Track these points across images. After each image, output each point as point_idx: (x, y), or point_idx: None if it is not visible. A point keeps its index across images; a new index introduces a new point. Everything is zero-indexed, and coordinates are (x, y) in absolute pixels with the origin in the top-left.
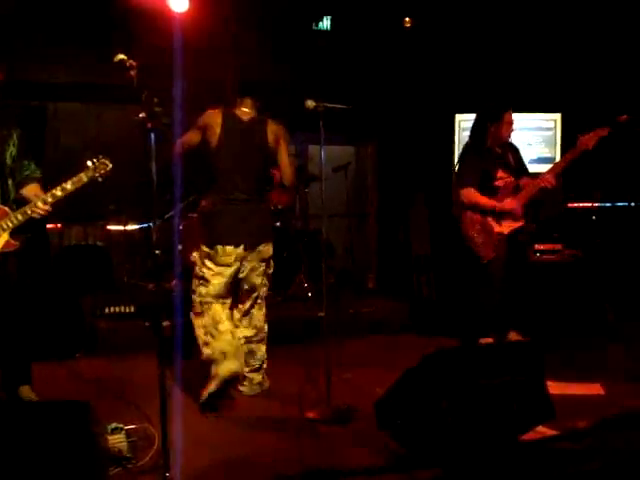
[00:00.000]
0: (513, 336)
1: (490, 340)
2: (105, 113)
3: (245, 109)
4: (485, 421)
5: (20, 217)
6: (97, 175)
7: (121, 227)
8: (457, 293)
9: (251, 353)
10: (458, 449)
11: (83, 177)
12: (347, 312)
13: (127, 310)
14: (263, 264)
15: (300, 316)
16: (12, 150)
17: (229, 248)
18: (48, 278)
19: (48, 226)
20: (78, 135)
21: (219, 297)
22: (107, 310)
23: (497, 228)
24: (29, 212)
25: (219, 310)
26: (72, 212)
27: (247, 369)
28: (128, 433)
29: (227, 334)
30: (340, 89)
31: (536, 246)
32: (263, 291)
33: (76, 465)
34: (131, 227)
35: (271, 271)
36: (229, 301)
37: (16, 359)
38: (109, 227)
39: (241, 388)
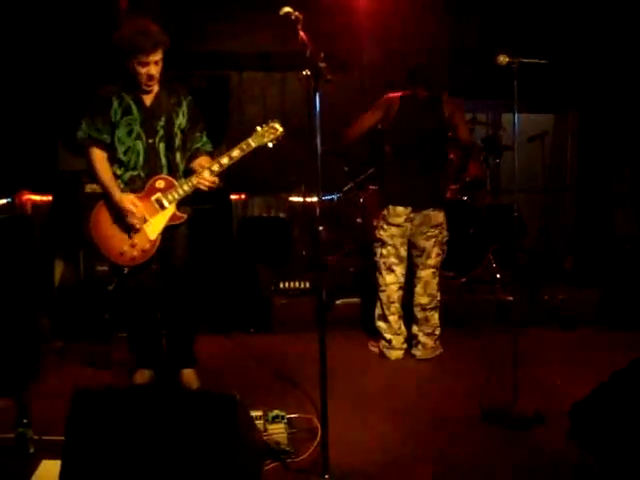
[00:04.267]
0: None
1: None
2: (288, 82)
3: (420, 90)
4: None
5: (186, 188)
6: (266, 140)
7: (301, 199)
8: None
9: (425, 320)
10: None
11: (251, 143)
12: (539, 298)
13: (302, 286)
14: (434, 230)
15: (487, 300)
16: (181, 121)
17: (399, 209)
18: (229, 249)
19: (232, 197)
20: (261, 104)
21: (396, 257)
22: (282, 285)
23: None
24: (195, 183)
25: (394, 289)
26: (255, 183)
27: (421, 333)
28: (290, 422)
29: (396, 322)
30: (536, 50)
31: None
32: (437, 260)
33: (226, 462)
34: (311, 199)
35: (445, 239)
36: (403, 267)
37: (183, 339)
38: (291, 199)
39: (415, 352)
